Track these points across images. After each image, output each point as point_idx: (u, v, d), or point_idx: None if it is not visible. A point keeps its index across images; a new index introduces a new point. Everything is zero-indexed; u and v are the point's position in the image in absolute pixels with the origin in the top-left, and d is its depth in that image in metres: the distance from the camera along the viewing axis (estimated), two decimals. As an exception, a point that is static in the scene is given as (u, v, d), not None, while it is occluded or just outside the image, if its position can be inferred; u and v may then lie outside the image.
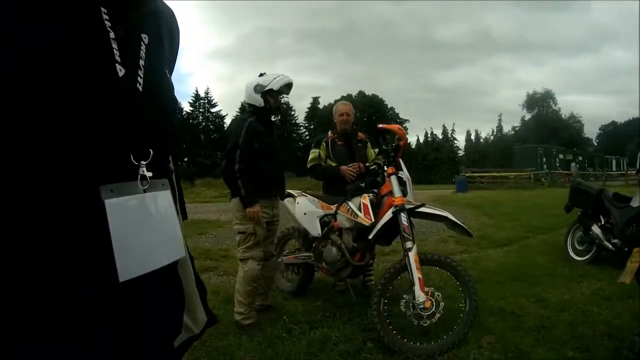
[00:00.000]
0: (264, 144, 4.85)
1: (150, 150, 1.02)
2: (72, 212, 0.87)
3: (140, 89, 1.02)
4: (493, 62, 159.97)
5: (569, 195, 8.40)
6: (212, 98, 71.66)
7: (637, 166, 9.41)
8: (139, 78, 1.02)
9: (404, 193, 4.62)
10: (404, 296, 4.24)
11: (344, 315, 5.01)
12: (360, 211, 4.89)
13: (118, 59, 0.97)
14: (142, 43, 1.06)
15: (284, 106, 73.60)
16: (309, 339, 4.31)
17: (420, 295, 4.11)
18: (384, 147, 4.96)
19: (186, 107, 69.72)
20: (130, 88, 0.99)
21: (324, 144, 5.97)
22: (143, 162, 1.00)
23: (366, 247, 4.96)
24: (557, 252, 8.37)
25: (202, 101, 70.64)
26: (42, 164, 0.85)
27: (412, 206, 4.50)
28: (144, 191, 1.01)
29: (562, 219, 9.48)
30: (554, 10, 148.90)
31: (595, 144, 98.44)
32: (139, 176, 1.00)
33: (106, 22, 0.96)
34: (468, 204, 18.29)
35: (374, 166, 5.43)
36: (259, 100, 4.89)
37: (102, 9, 0.96)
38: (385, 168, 4.81)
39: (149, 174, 1.01)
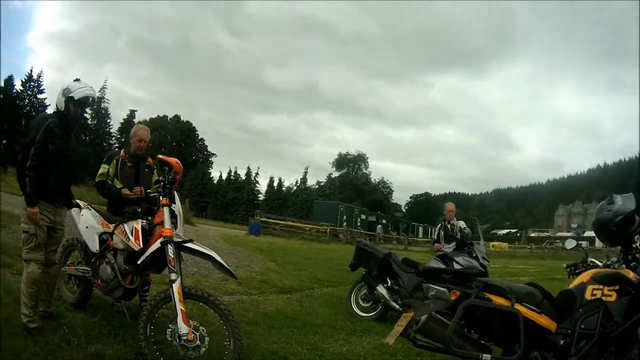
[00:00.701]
0: (58, 147, 4.90)
1: None
2: None
3: None
4: (315, 116, 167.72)
5: (354, 254, 8.72)
6: (42, 83, 68.01)
7: (435, 237, 10.32)
8: None
9: (175, 226, 4.77)
10: (170, 325, 4.36)
11: (118, 335, 4.96)
12: (132, 235, 4.95)
13: None
14: None
15: (103, 111, 72.84)
16: (85, 352, 4.37)
17: (182, 327, 4.25)
18: (160, 178, 5.07)
19: (18, 86, 66.08)
20: None
21: (114, 161, 6.11)
22: None
23: (137, 271, 5.04)
24: (341, 306, 8.47)
25: (32, 83, 67.27)
26: None
27: (180, 240, 4.66)
28: None
29: (351, 275, 9.66)
30: (391, 82, 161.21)
31: (404, 210, 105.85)
32: None
33: None
34: (258, 248, 18.09)
35: (155, 193, 5.38)
36: (61, 104, 4.97)
37: None
38: (161, 198, 4.92)
39: None
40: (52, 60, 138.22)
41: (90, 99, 5.05)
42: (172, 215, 4.80)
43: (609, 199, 4.34)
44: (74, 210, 5.68)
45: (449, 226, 9.94)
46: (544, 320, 3.65)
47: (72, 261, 6.06)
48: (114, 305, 5.71)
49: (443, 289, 3.60)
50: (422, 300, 6.92)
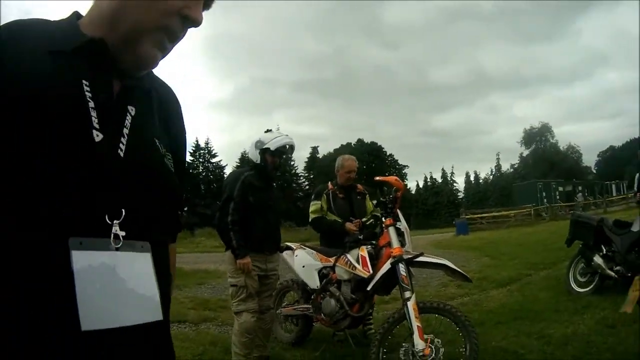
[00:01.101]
0: (259, 198, 5.00)
1: (123, 210, 1.09)
2: (41, 260, 0.97)
3: (122, 154, 1.11)
4: (489, 100, 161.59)
5: (569, 229, 8.43)
6: (212, 148, 71.06)
7: (635, 188, 9.41)
8: (121, 145, 1.11)
9: (402, 243, 4.74)
10: (403, 344, 4.31)
11: None
12: (359, 263, 4.98)
13: (96, 125, 1.07)
14: (127, 113, 1.16)
15: (284, 156, 73.41)
16: None
17: (419, 343, 4.17)
18: (381, 199, 5.11)
19: (187, 157, 68.51)
20: (106, 152, 1.08)
21: (325, 195, 6.15)
22: (116, 222, 1.07)
23: (365, 298, 5.05)
24: (559, 287, 8.37)
25: (202, 151, 70.71)
26: (24, 214, 0.98)
27: (410, 256, 4.61)
28: (116, 249, 1.08)
29: (563, 252, 9.47)
30: (544, 42, 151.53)
31: (595, 171, 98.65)
32: (112, 235, 1.07)
33: (87, 92, 1.08)
34: (469, 247, 18.27)
35: (372, 220, 5.63)
36: (256, 156, 5.10)
37: (84, 81, 1.09)
38: (384, 219, 4.93)
39: (122, 233, 1.08)
40: (219, 125, 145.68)
41: (288, 146, 5.16)
42: (399, 233, 4.81)
43: None
44: (286, 253, 5.85)
45: None
46: None
47: (287, 302, 6.27)
48: (335, 335, 5.85)
49: None
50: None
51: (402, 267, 4.52)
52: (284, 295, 6.36)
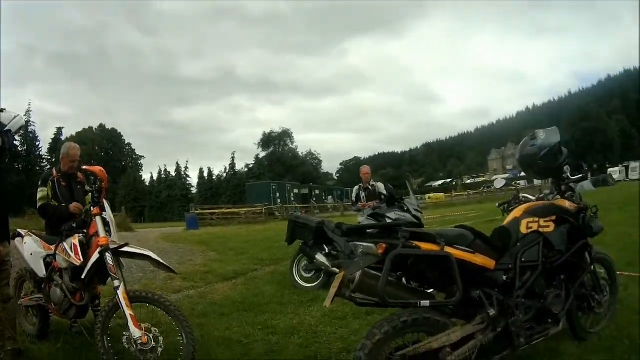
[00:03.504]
0: None
1: None
2: None
3: None
4: (233, 100, 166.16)
5: (287, 228, 8.90)
6: None
7: (353, 198, 10.48)
8: None
9: (110, 233, 4.85)
10: (124, 333, 4.40)
11: (81, 356, 5.05)
12: (72, 251, 4.97)
13: None
14: None
15: (31, 135, 68.89)
16: None
17: (135, 332, 4.31)
18: (88, 188, 5.22)
19: None
20: None
21: (50, 182, 6.10)
22: None
23: (84, 287, 5.05)
24: (285, 282, 8.71)
25: None
26: None
27: (116, 246, 4.73)
28: None
29: (291, 249, 9.81)
30: (306, 54, 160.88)
31: (336, 177, 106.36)
32: None
33: None
34: (197, 241, 18.16)
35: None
36: None
37: None
38: (91, 209, 4.96)
39: None
40: None
41: (24, 125, 4.97)
42: (105, 223, 4.87)
43: (531, 134, 4.52)
44: (17, 240, 5.74)
45: (370, 188, 10.19)
46: (478, 259, 3.66)
47: (25, 292, 6.09)
48: (72, 327, 5.80)
49: (370, 245, 3.49)
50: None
51: (109, 257, 4.62)
52: (22, 285, 6.16)
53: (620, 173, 64.59)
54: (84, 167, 5.32)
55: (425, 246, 3.44)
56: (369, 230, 3.72)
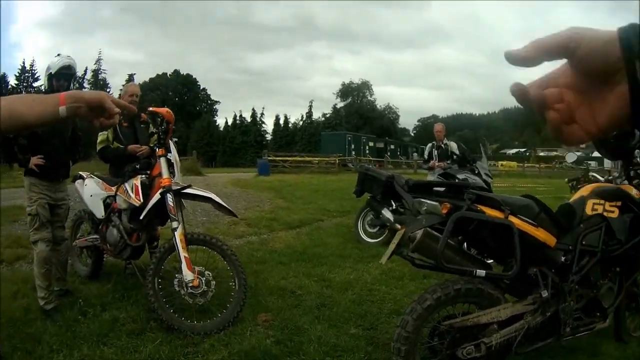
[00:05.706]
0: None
1: None
2: None
3: None
4: (311, 48, 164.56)
5: (357, 180, 8.64)
6: (36, 71, 66.26)
7: (426, 156, 10.17)
8: None
9: (173, 175, 4.92)
10: (176, 275, 4.49)
11: (131, 297, 5.18)
12: (132, 192, 5.11)
13: None
14: None
15: (101, 82, 71.53)
16: (101, 320, 4.52)
17: (187, 274, 4.39)
18: (154, 130, 5.25)
19: (12, 81, 65.51)
20: None
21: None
22: None
23: (141, 228, 5.14)
24: (349, 235, 8.67)
25: (26, 74, 66.82)
26: None
27: (178, 187, 4.79)
28: None
29: (360, 203, 9.65)
30: (385, 5, 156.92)
31: (412, 134, 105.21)
32: None
33: None
34: (267, 187, 18.30)
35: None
36: (45, 83, 5.16)
37: None
38: (157, 150, 5.03)
39: None
40: (43, 48, 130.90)
41: (69, 66, 5.06)
42: (170, 164, 4.91)
43: None
44: (78, 182, 5.88)
45: (443, 146, 9.96)
46: (541, 234, 3.43)
47: (82, 234, 6.22)
48: (127, 269, 5.97)
49: (435, 203, 3.34)
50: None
51: (169, 198, 4.67)
52: (79, 227, 6.32)
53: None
54: (151, 108, 5.30)
55: (490, 212, 3.28)
56: (435, 188, 3.62)
